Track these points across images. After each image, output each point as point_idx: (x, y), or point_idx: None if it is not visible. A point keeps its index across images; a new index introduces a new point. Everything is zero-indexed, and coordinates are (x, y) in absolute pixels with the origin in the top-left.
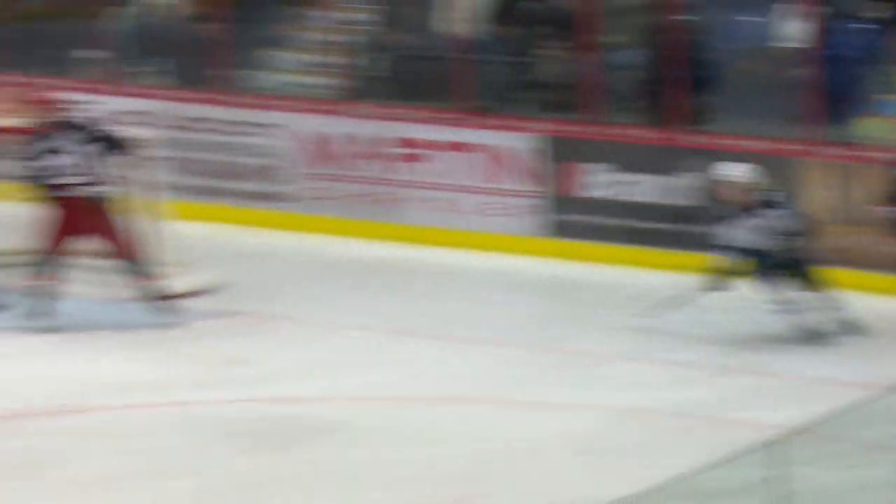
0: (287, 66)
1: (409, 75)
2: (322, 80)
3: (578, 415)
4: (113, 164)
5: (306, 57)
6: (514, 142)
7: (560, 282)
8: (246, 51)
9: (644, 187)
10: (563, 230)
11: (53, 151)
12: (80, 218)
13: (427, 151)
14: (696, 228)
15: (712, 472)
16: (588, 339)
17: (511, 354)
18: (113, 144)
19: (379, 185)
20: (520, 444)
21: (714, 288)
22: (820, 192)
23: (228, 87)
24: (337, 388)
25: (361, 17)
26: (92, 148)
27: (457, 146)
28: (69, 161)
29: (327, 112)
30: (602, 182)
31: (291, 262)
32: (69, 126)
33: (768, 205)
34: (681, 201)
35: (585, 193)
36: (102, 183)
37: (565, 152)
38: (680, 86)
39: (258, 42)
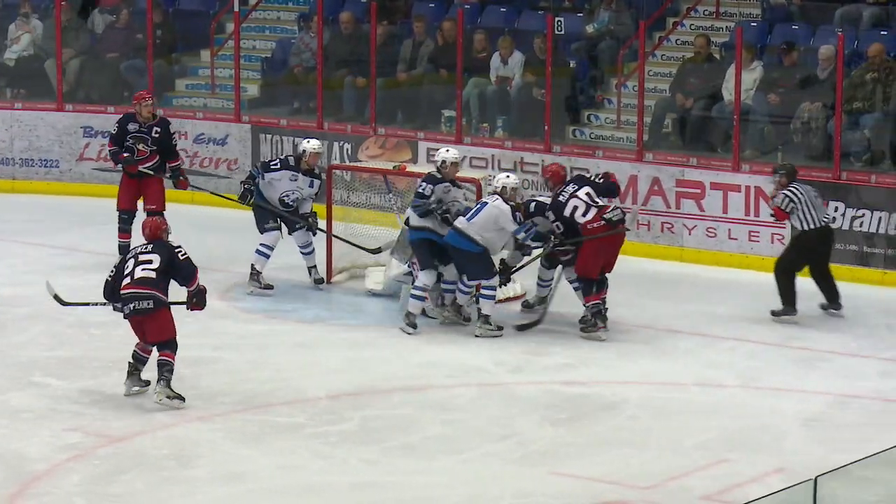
0: (602, 123)
1: (694, 131)
2: (625, 134)
3: (807, 398)
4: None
5: (613, 116)
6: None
7: (801, 293)
8: (570, 111)
9: (871, 220)
10: None
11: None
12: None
13: (704, 190)
14: None
15: None
16: (816, 338)
17: (754, 348)
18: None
19: (667, 216)
20: (759, 420)
21: None
22: None
23: (557, 139)
24: (617, 374)
25: (661, 86)
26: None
27: (729, 187)
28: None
29: (632, 160)
30: (839, 216)
31: None
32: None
33: None
34: None
35: None
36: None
37: None
38: None
39: (579, 104)
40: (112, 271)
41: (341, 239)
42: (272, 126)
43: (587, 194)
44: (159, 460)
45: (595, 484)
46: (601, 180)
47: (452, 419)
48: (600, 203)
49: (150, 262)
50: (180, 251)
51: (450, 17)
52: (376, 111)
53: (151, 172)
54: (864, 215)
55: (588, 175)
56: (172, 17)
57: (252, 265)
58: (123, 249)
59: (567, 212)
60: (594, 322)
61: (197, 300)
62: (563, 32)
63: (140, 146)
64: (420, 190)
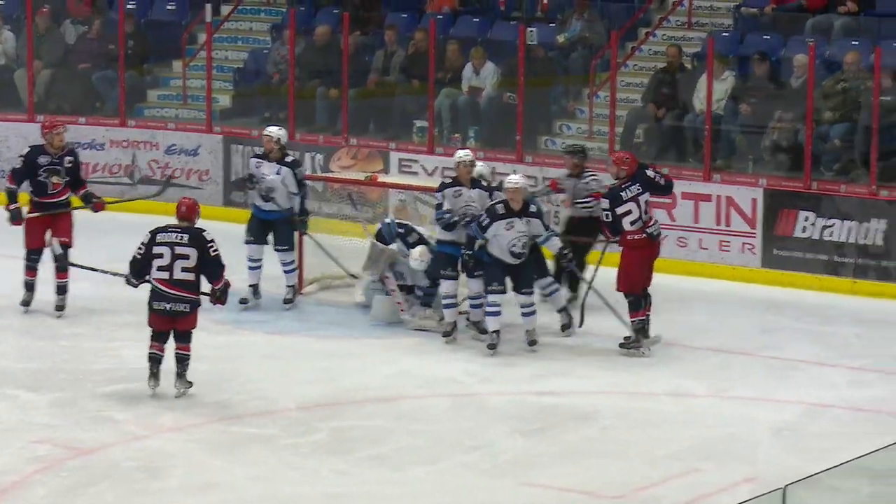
0: (571, 133)
1: (665, 141)
2: (597, 144)
3: (778, 408)
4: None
5: (585, 126)
6: (744, 193)
7: (770, 302)
8: (544, 121)
9: (842, 229)
10: (776, 262)
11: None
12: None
13: (676, 200)
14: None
15: (885, 455)
16: (787, 347)
17: (726, 358)
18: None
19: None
20: (730, 429)
21: None
22: None
23: (529, 148)
24: (588, 384)
25: (633, 96)
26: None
27: (700, 196)
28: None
29: (604, 170)
30: (809, 225)
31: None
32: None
33: None
34: (868, 241)
35: (796, 234)
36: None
37: (782, 202)
38: (876, 151)
39: (550, 114)
40: (140, 248)
41: (326, 253)
42: (244, 137)
43: (646, 202)
44: (130, 472)
45: (566, 494)
46: (662, 180)
47: (424, 430)
48: (648, 216)
49: (186, 257)
50: (212, 246)
51: (422, 27)
52: (348, 122)
53: (64, 209)
54: (834, 225)
55: (651, 174)
56: (144, 27)
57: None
58: (29, 286)
59: (620, 210)
60: (638, 339)
61: (221, 295)
62: (535, 43)
63: (54, 179)
64: (436, 202)
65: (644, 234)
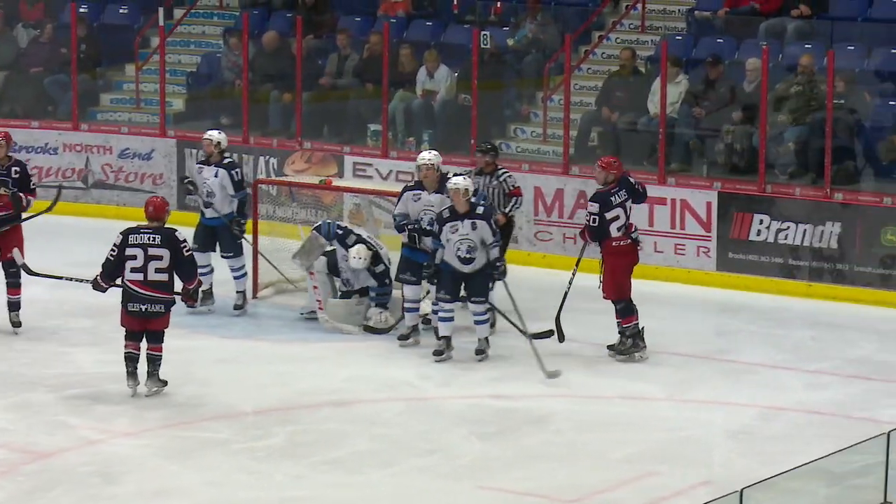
0: (526, 137)
1: (620, 144)
2: (551, 148)
3: (734, 411)
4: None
5: (539, 130)
6: (698, 196)
7: (726, 305)
8: (497, 125)
9: (796, 233)
10: (731, 265)
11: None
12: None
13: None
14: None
15: (840, 458)
16: (743, 350)
17: (681, 361)
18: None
19: None
20: (686, 433)
21: None
22: None
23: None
24: (544, 388)
25: (587, 99)
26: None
27: (655, 200)
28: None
29: (559, 173)
30: (764, 228)
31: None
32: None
33: None
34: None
35: (751, 237)
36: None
37: (737, 205)
38: (830, 154)
39: (504, 118)
40: (113, 250)
41: (264, 258)
42: (197, 140)
43: (630, 209)
44: (85, 477)
45: (523, 498)
46: (640, 188)
47: (380, 434)
48: (630, 222)
49: (159, 258)
50: (185, 246)
51: (376, 30)
52: (302, 125)
53: (17, 220)
54: (788, 228)
55: (632, 181)
56: (97, 31)
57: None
58: None
59: (610, 215)
60: (635, 343)
61: (193, 294)
62: (488, 46)
63: (1, 191)
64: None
65: (629, 240)
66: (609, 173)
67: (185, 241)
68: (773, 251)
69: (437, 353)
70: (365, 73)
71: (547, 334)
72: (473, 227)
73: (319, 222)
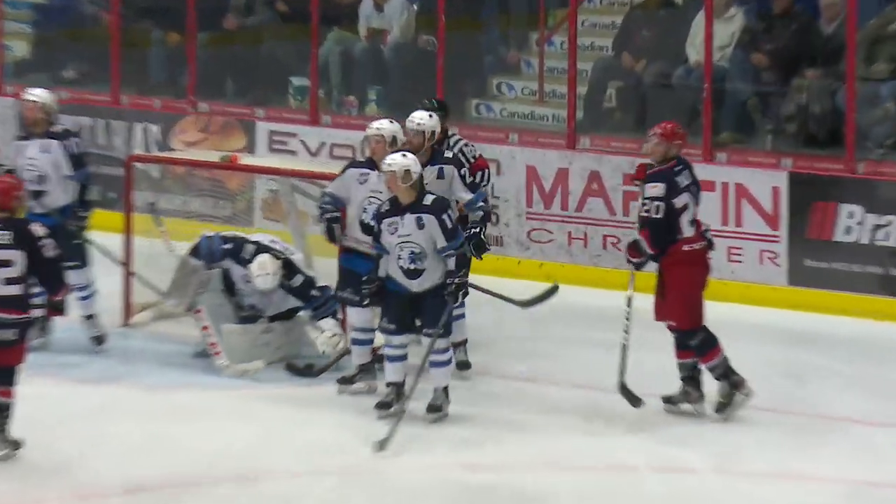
0: (515, 95)
1: (647, 105)
2: (551, 111)
3: (808, 488)
4: None
5: (534, 85)
6: (761, 179)
7: (800, 335)
8: (475, 78)
9: None
10: (808, 277)
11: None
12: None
13: None
14: None
15: None
16: (823, 399)
17: (737, 416)
18: None
19: (603, 226)
20: None
21: None
22: None
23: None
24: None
25: (601, 42)
26: None
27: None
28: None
29: (561, 147)
30: (855, 225)
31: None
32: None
33: None
34: None
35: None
36: None
37: (816, 191)
38: None
39: (483, 69)
40: None
41: (135, 274)
42: None
43: (699, 198)
44: None
45: None
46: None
47: None
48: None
49: (8, 263)
50: (45, 246)
51: None
52: (196, 79)
53: None
54: (890, 224)
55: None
56: None
57: None
58: None
59: (679, 203)
60: (734, 383)
61: (60, 306)
62: None
63: None
64: None
65: (704, 241)
66: (671, 145)
67: (42, 238)
68: (868, 257)
69: (382, 405)
70: (286, 5)
71: (550, 292)
72: (419, 224)
73: (197, 240)
